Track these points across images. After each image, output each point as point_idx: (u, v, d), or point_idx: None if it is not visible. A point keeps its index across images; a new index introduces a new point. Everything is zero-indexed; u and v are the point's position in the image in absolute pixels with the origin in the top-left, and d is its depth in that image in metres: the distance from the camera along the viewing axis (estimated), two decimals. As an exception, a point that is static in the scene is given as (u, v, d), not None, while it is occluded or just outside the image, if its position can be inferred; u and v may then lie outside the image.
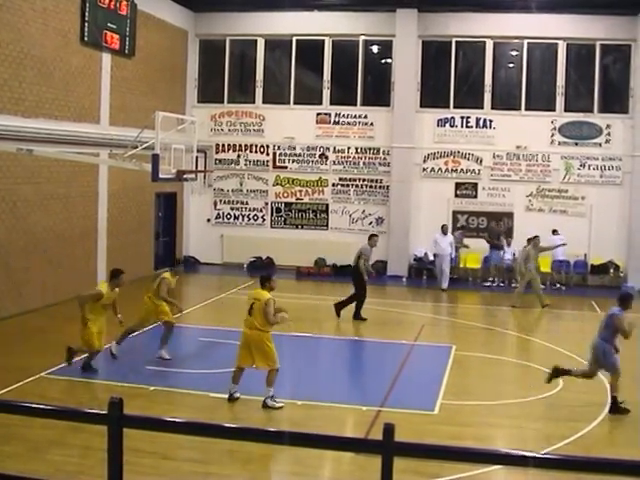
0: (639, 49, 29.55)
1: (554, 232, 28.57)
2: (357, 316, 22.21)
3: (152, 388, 14.91)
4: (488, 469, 10.83)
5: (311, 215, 31.83)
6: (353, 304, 22.38)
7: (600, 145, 30.21)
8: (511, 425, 14.05)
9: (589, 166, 30.15)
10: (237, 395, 14.27)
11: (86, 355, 15.90)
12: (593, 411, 14.41)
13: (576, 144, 30.25)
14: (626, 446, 12.62)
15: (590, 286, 29.66)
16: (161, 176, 18.08)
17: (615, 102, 30.63)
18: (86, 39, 23.92)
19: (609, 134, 30.19)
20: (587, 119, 30.34)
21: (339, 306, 22.42)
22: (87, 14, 23.78)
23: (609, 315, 14.89)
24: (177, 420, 8.34)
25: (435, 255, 28.76)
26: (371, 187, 31.34)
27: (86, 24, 23.80)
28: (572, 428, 13.36)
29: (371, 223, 31.35)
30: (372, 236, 23.56)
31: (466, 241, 29.75)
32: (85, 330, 15.55)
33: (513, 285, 29.14)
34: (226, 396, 14.29)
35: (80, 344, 15.73)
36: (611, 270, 29.96)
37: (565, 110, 30.48)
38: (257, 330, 14.06)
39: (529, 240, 25.94)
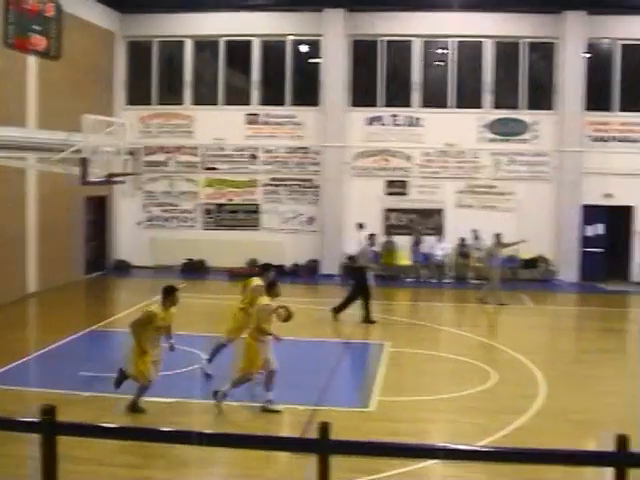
0: (564, 46, 30.04)
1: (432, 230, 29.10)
2: (368, 319, 22.06)
3: (86, 394, 14.72)
4: (426, 463, 10.94)
5: (242, 216, 31.70)
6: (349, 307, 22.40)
7: (528, 141, 30.63)
8: (447, 419, 14.18)
9: (517, 162, 30.53)
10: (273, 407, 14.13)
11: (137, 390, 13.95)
12: (527, 403, 14.62)
13: (504, 140, 30.61)
14: (560, 436, 12.79)
15: (521, 280, 29.99)
16: (90, 179, 17.89)
17: (542, 99, 31.04)
18: (10, 41, 23.53)
19: (536, 130, 30.62)
20: (515, 116, 30.73)
21: (338, 310, 22.33)
22: (11, 16, 23.38)
23: None
24: (111, 426, 8.26)
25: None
26: (302, 187, 31.33)
27: (10, 26, 23.40)
28: (507, 421, 13.55)
29: (303, 223, 31.35)
30: (371, 236, 23.69)
31: (396, 238, 30.08)
32: (141, 359, 13.64)
33: (444, 281, 29.56)
34: (161, 400, 14.19)
35: (134, 374, 13.81)
36: (541, 264, 30.40)
37: (493, 107, 30.85)
38: (249, 336, 14.10)
39: (496, 236, 26.28)
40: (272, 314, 14.07)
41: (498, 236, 26.19)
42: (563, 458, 6.87)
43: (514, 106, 30.84)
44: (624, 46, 30.54)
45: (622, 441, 6.27)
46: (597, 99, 30.46)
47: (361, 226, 28.86)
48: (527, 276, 30.16)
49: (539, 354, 18.80)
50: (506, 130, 30.63)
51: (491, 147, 30.62)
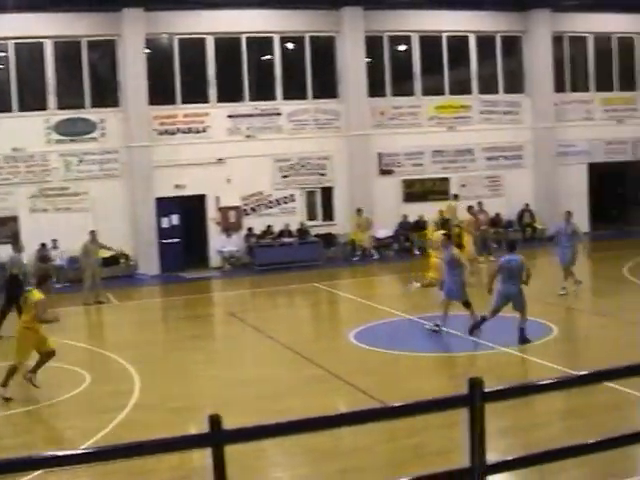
0: (123, 44, 30.56)
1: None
2: None
3: None
4: (32, 475, 10.63)
5: None
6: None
7: (96, 139, 30.83)
8: (47, 428, 14.19)
9: (88, 161, 30.64)
10: None
11: None
12: (124, 399, 14.83)
13: (72, 141, 30.57)
14: (161, 426, 12.95)
15: (103, 278, 29.90)
16: None
17: (107, 96, 31.43)
18: None
19: (104, 128, 30.89)
20: (81, 115, 30.78)
21: None
22: None
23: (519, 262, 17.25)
24: None
25: None
26: None
27: None
28: (107, 419, 13.64)
29: None
30: (15, 243, 23.73)
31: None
32: None
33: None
34: None
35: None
36: (121, 260, 30.74)
37: (59, 108, 30.68)
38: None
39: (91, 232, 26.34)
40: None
41: (93, 233, 26.27)
42: (162, 447, 6.93)
43: (80, 106, 30.87)
44: (181, 40, 31.60)
45: (215, 420, 6.39)
46: (161, 93, 31.27)
47: None
48: (109, 274, 30.11)
49: (130, 349, 19.04)
50: (73, 130, 30.56)
51: (60, 148, 30.42)
